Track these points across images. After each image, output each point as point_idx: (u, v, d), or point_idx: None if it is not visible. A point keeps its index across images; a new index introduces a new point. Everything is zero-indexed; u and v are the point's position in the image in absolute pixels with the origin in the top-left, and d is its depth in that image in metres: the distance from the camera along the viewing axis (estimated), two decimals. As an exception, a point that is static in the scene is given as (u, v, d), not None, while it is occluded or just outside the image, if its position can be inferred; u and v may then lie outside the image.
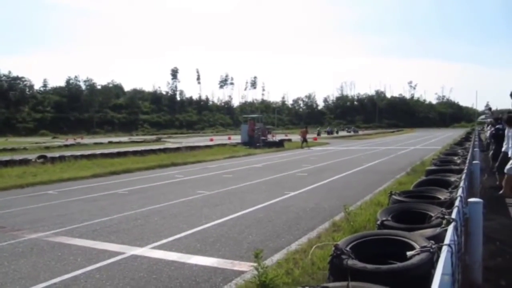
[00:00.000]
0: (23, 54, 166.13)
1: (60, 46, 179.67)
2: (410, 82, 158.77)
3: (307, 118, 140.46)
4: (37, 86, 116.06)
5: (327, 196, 10.92)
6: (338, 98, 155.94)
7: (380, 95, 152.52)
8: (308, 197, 10.86)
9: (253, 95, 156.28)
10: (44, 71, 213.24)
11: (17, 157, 22.04)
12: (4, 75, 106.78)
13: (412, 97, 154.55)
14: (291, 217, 8.41)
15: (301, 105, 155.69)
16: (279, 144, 35.26)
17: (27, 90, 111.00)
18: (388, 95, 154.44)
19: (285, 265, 5.17)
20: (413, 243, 2.57)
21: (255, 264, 4.56)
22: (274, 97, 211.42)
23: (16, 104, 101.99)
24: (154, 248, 6.37)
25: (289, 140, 43.12)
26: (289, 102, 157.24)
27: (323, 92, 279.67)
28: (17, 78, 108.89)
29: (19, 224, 8.38)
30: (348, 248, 2.51)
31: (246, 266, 5.41)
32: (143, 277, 5.15)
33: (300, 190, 11.86)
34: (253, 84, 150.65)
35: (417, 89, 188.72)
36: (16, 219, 8.89)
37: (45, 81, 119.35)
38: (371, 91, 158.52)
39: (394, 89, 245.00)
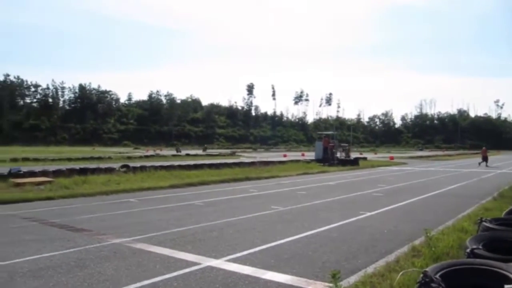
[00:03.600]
0: (111, 70, 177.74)
1: (144, 63, 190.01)
2: (497, 101, 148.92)
3: (383, 136, 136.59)
4: (123, 99, 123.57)
5: (405, 218, 10.47)
6: (416, 117, 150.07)
7: (462, 114, 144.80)
8: (384, 218, 10.49)
9: (328, 112, 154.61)
10: (129, 85, 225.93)
11: (103, 165, 23.47)
12: (94, 89, 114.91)
13: (499, 116, 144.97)
14: (367, 238, 8.15)
15: (377, 123, 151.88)
16: (354, 162, 34.52)
17: (114, 103, 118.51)
18: (472, 114, 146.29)
19: (362, 288, 5.00)
20: (511, 276, 2.37)
21: (331, 285, 4.44)
22: (349, 114, 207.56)
23: (103, 116, 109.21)
24: (229, 260, 6.44)
25: (364, 158, 42.07)
26: (365, 119, 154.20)
27: (401, 109, 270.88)
28: (105, 91, 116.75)
29: (104, 228, 8.87)
30: (437, 276, 2.37)
31: (321, 286, 5.31)
32: (218, 289, 5.21)
33: (376, 211, 11.49)
34: (328, 101, 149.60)
35: (504, 109, 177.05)
36: (101, 224, 9.42)
37: (129, 95, 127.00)
38: (453, 110, 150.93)
39: (479, 108, 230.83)
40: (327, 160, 33.81)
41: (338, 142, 39.34)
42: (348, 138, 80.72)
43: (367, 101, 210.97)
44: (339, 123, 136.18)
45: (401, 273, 4.70)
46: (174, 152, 55.71)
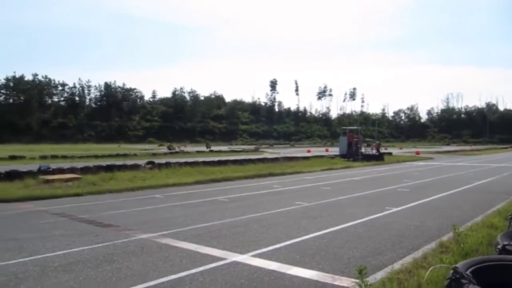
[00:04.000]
0: (135, 68, 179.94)
1: (167, 60, 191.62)
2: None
3: (409, 131, 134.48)
4: (147, 97, 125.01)
5: (432, 214, 10.30)
6: (443, 111, 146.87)
7: (491, 107, 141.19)
8: (411, 214, 10.34)
9: (352, 107, 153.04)
10: (153, 83, 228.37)
11: (129, 162, 23.81)
12: (119, 87, 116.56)
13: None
14: (393, 234, 8.06)
15: (403, 118, 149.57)
16: (379, 158, 34.11)
17: (138, 100, 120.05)
18: (501, 107, 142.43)
19: (388, 285, 4.94)
20: (545, 272, 2.31)
21: (357, 281, 4.42)
22: (373, 109, 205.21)
23: (128, 113, 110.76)
24: (254, 256, 6.46)
25: (390, 153, 41.53)
26: (390, 114, 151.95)
27: (427, 104, 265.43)
28: (130, 89, 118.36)
29: (130, 224, 9.02)
30: (468, 273, 2.33)
31: (347, 282, 5.27)
32: (244, 284, 5.24)
33: (402, 207, 11.34)
34: (352, 96, 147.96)
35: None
36: (128, 220, 9.58)
37: (153, 92, 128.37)
38: (481, 103, 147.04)
39: (508, 101, 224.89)
40: (351, 155, 33.53)
41: (362, 137, 38.92)
42: (373, 133, 79.72)
43: (392, 96, 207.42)
44: (364, 118, 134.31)
45: (430, 269, 4.63)
46: (199, 149, 56.00)
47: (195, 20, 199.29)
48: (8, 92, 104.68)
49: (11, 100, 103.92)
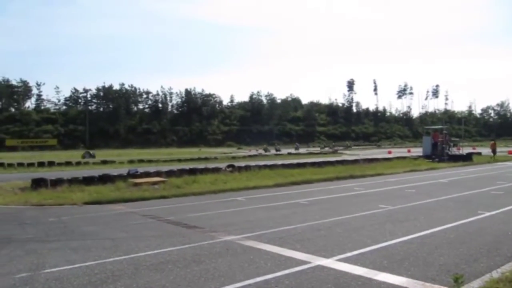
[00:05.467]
0: (214, 73, 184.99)
1: (245, 65, 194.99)
2: None
3: (499, 129, 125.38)
4: (225, 101, 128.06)
5: (532, 219, 9.51)
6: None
7: None
8: (507, 219, 9.63)
9: (435, 105, 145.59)
10: (231, 88, 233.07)
11: (210, 165, 24.52)
12: (198, 93, 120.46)
13: None
14: (488, 240, 7.53)
15: (492, 115, 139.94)
16: (467, 158, 32.17)
17: (217, 105, 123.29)
18: None
19: (487, 294, 4.63)
20: None
21: (452, 289, 4.17)
22: (458, 107, 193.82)
23: (207, 118, 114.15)
24: (339, 260, 6.34)
25: (479, 153, 39.01)
26: (477, 111, 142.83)
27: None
28: (209, 95, 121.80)
29: (215, 226, 9.26)
30: None
31: (440, 290, 5.00)
32: (330, 289, 5.16)
33: (497, 211, 10.59)
34: (435, 93, 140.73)
35: None
36: (212, 222, 9.84)
37: (231, 97, 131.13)
38: None
39: None
40: (436, 156, 31.96)
41: (448, 136, 36.93)
42: (459, 132, 75.46)
43: (479, 92, 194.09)
44: (448, 117, 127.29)
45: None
46: (281, 152, 56.36)
47: (270, 23, 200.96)
48: (98, 101, 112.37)
49: (101, 109, 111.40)
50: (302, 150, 60.32)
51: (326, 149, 65.86)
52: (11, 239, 8.32)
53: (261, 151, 56.99)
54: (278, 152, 54.75)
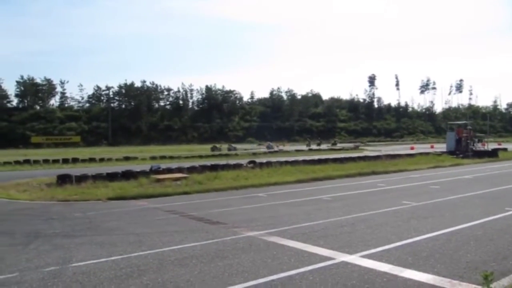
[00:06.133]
0: (234, 70, 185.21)
1: (264, 60, 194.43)
2: None
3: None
4: (246, 98, 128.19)
5: (563, 216, 9.26)
6: None
7: None
8: (536, 215, 9.40)
9: (458, 100, 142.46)
10: (252, 84, 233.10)
11: (231, 161, 24.59)
12: (219, 90, 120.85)
13: None
14: (517, 237, 7.37)
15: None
16: (492, 154, 31.49)
17: (237, 102, 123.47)
18: None
19: (517, 292, 4.52)
20: None
21: (480, 287, 4.09)
22: (483, 101, 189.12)
23: (228, 114, 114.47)
24: (363, 256, 6.29)
25: (504, 149, 38.17)
26: (503, 106, 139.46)
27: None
28: (229, 91, 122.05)
29: (237, 222, 9.29)
30: None
31: (467, 288, 4.91)
32: (355, 285, 5.11)
33: (525, 207, 10.34)
34: (459, 88, 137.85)
35: None
36: (234, 217, 9.88)
37: (252, 93, 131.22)
38: None
39: None
40: (460, 151, 31.40)
41: (473, 132, 36.22)
42: (484, 128, 73.98)
43: (504, 86, 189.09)
44: (472, 112, 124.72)
45: None
46: (297, 147, 56.10)
47: (291, 20, 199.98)
48: (120, 98, 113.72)
49: (123, 106, 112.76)
50: (322, 147, 59.87)
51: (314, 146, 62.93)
52: (38, 234, 8.50)
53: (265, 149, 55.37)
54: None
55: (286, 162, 23.31)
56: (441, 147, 40.33)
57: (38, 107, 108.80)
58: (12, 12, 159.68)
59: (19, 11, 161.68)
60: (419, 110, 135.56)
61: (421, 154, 31.93)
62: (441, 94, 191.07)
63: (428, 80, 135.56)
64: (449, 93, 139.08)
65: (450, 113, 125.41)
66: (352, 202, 11.90)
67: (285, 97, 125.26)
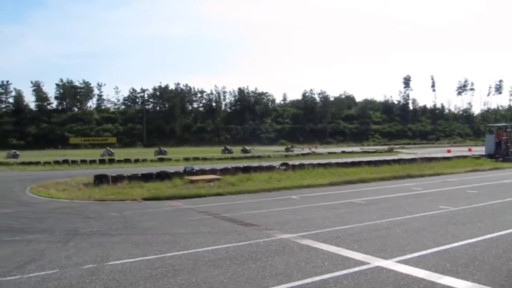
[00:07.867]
0: (266, 72, 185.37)
1: (297, 62, 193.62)
2: None
3: None
4: (278, 100, 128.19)
5: None
6: None
7: None
8: None
9: (498, 101, 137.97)
10: (284, 86, 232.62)
11: (264, 163, 24.62)
12: (251, 92, 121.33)
13: None
14: (562, 245, 7.06)
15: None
16: (534, 158, 30.34)
17: (270, 104, 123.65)
18: None
19: None
20: None
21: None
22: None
23: (261, 116, 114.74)
24: (399, 262, 6.16)
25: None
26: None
27: None
28: (262, 93, 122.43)
29: (270, 224, 9.28)
30: None
31: (510, 297, 4.74)
32: (391, 291, 5.02)
33: None
34: (498, 89, 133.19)
35: None
36: (267, 220, 9.87)
37: (284, 95, 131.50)
38: None
39: None
40: (500, 155, 30.38)
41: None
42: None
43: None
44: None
45: None
46: (330, 150, 55.67)
47: (325, 23, 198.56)
48: (155, 100, 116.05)
49: (158, 108, 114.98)
50: (356, 149, 59.10)
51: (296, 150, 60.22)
52: (77, 232, 8.74)
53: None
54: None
55: (319, 165, 23.16)
56: (479, 150, 39.20)
57: (76, 109, 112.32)
58: (51, 16, 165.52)
59: (58, 15, 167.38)
60: (456, 112, 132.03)
61: (458, 157, 31.06)
62: (480, 96, 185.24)
63: (465, 81, 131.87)
64: (488, 94, 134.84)
65: (489, 115, 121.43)
66: (386, 205, 11.69)
67: (317, 99, 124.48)
